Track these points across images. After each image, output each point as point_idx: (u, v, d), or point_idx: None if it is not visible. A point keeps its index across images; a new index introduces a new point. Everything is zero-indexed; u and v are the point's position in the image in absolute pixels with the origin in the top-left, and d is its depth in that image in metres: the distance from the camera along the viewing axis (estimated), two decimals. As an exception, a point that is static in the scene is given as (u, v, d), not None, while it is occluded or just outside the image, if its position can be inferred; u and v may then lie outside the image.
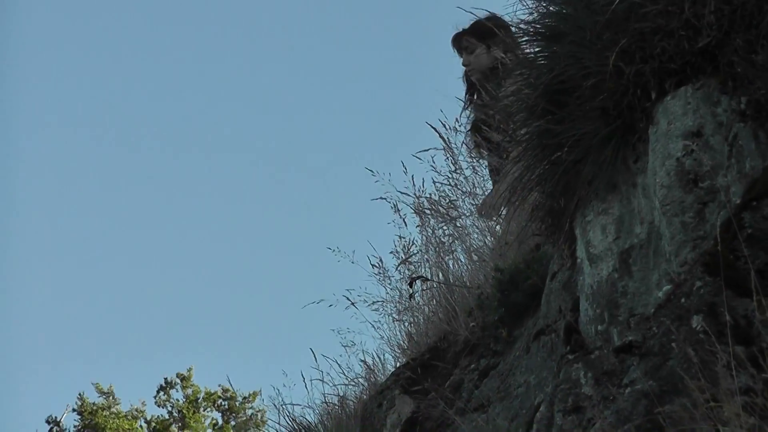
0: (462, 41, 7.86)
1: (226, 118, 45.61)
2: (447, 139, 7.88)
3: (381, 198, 8.03)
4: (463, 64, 7.95)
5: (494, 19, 7.33)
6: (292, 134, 45.01)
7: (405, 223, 7.96)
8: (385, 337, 7.66)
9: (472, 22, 7.73)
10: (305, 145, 44.85)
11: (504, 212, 7.04)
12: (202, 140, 44.52)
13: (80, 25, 47.74)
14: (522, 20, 5.56)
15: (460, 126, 7.86)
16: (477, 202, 7.66)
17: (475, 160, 7.79)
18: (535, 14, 5.48)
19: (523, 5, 5.54)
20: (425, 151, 7.92)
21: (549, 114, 5.22)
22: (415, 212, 7.90)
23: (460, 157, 7.87)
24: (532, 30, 5.54)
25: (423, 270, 7.64)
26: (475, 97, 7.81)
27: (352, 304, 7.97)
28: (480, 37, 7.75)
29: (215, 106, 45.70)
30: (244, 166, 44.81)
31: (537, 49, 5.50)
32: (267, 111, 44.69)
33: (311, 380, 7.98)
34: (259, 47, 47.02)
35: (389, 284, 7.84)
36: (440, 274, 7.43)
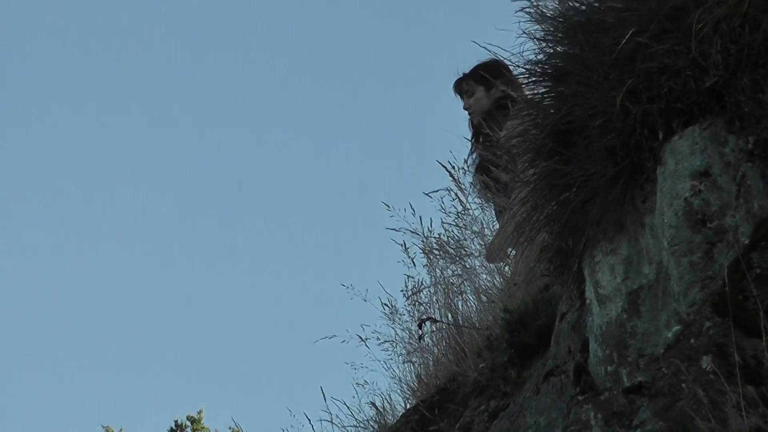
0: (462, 85, 7.90)
1: (238, 152, 45.90)
2: (457, 179, 7.92)
3: (393, 230, 8.03)
4: (464, 108, 7.99)
5: (493, 62, 7.34)
6: (303, 170, 45.20)
7: (413, 263, 7.97)
8: (396, 378, 7.68)
9: (472, 66, 7.76)
10: (317, 180, 45.06)
11: (512, 253, 7.05)
12: (213, 179, 44.73)
13: (80, 24, 47.44)
14: (529, 60, 5.57)
15: (468, 167, 7.90)
16: (486, 242, 7.67)
17: (482, 201, 7.80)
18: (542, 54, 5.48)
19: (530, 45, 5.55)
20: (435, 192, 7.96)
21: (556, 154, 5.21)
22: (423, 252, 7.91)
23: (469, 198, 7.91)
24: (538, 70, 5.54)
25: (432, 311, 7.64)
26: (480, 139, 7.82)
27: (364, 341, 7.99)
28: (478, 79, 7.79)
29: (226, 141, 46.12)
30: (256, 203, 44.72)
31: (544, 90, 5.50)
32: (278, 148, 44.95)
33: (321, 421, 7.98)
34: (276, 84, 46.98)
35: (399, 324, 7.85)
36: (449, 315, 7.43)
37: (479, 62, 7.61)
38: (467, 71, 7.84)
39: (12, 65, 47.60)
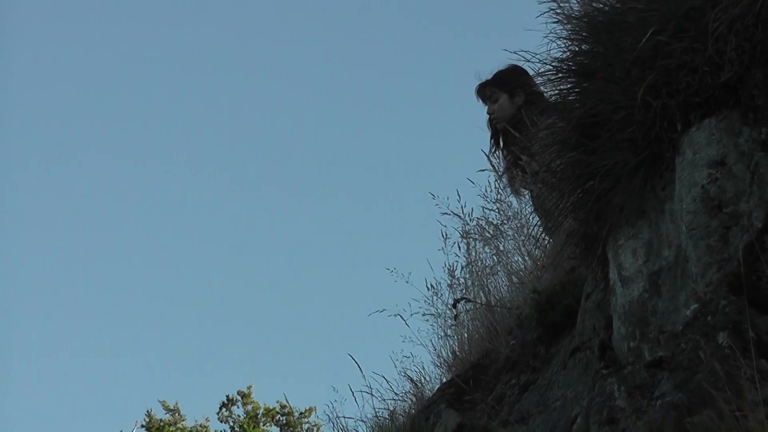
0: (485, 91, 7.85)
1: (300, 142, 46.04)
2: (496, 168, 7.95)
3: (446, 214, 8.05)
4: (488, 113, 7.95)
5: (514, 68, 7.32)
6: (355, 159, 45.29)
7: (458, 247, 7.99)
8: (433, 354, 7.68)
9: (494, 72, 7.72)
10: (367, 166, 44.82)
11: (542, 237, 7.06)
12: (270, 160, 44.53)
13: (80, 24, 46.81)
14: (555, 58, 5.57)
15: (492, 160, 7.92)
16: (520, 225, 7.68)
17: (515, 195, 7.81)
18: (568, 53, 5.48)
19: (556, 44, 5.55)
20: (482, 170, 7.99)
21: (581, 146, 5.22)
22: (462, 236, 7.92)
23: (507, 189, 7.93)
24: (564, 67, 5.53)
25: (467, 292, 7.64)
26: (505, 140, 7.81)
27: (404, 319, 8.01)
28: (502, 86, 7.74)
29: (291, 132, 46.20)
30: (309, 189, 44.83)
31: (569, 85, 5.50)
32: (338, 138, 45.05)
33: (362, 394, 8.00)
34: (327, 77, 47.05)
35: (441, 303, 7.86)
36: (482, 296, 7.43)
37: (501, 69, 7.56)
38: (489, 77, 7.79)
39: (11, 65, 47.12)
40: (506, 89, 7.76)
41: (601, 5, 5.26)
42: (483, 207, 7.98)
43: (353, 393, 7.91)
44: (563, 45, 5.49)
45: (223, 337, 37.83)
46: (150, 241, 43.01)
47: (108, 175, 44.14)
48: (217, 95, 48.59)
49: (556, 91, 5.70)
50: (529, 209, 7.67)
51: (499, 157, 7.93)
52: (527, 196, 7.71)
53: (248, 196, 44.77)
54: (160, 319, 39.94)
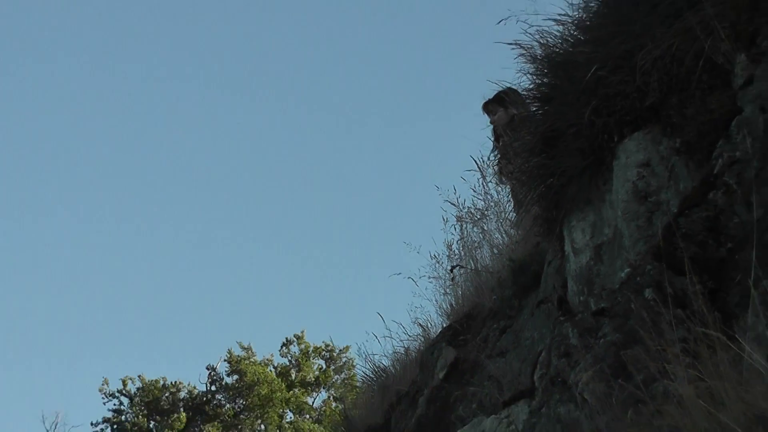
0: (489, 107, 7.92)
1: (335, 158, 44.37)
2: (482, 169, 7.99)
3: (446, 200, 8.11)
4: (491, 123, 7.99)
5: (509, 89, 7.37)
6: (382, 160, 43.89)
7: (454, 228, 8.05)
8: (436, 306, 7.73)
9: (494, 93, 7.76)
10: (391, 166, 43.72)
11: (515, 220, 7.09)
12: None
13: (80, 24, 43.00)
14: (525, 88, 5.60)
15: (491, 161, 7.96)
16: (499, 213, 7.71)
17: (500, 184, 7.85)
18: (533, 84, 5.51)
19: (526, 78, 5.59)
20: (470, 171, 8.05)
21: (544, 153, 5.23)
22: (457, 220, 7.96)
23: (489, 183, 7.96)
24: (531, 95, 5.57)
25: (461, 260, 7.67)
26: (500, 143, 7.86)
27: (414, 281, 8.08)
28: (499, 102, 7.80)
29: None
30: (349, 185, 43.34)
31: (535, 108, 5.52)
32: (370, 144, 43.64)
33: (384, 338, 8.08)
34: (355, 81, 44.46)
35: (441, 269, 7.90)
36: (472, 263, 7.45)
37: (498, 90, 7.60)
38: (491, 97, 7.83)
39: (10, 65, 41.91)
40: (502, 104, 7.80)
41: (558, 49, 5.26)
42: (472, 198, 8.03)
43: (376, 337, 8.00)
44: (530, 78, 5.53)
45: (283, 292, 37.40)
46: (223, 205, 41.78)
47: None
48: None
49: (525, 112, 5.76)
50: (506, 199, 7.71)
51: (497, 154, 7.98)
52: (506, 189, 7.75)
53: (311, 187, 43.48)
54: (239, 277, 39.39)
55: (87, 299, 37.90)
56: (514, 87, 6.45)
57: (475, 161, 8.05)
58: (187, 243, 40.14)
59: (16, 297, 36.87)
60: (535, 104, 5.47)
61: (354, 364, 21.37)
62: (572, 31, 5.18)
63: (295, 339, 22.94)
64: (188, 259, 39.86)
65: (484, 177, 7.91)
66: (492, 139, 8.03)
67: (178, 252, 40.80)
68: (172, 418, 21.80)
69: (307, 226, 41.66)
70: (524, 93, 5.63)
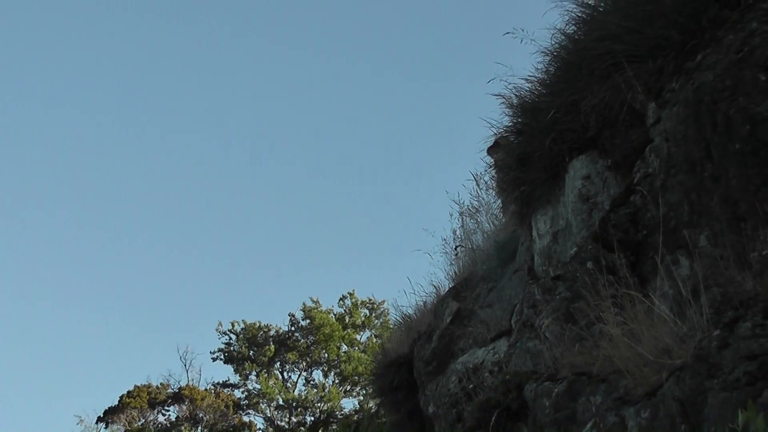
0: (491, 150, 7.63)
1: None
2: (477, 179, 8.00)
3: (453, 200, 8.07)
4: (493, 160, 7.74)
5: (501, 137, 7.19)
6: (404, 168, 37.62)
7: (457, 219, 8.06)
8: (445, 273, 7.73)
9: (494, 140, 7.51)
10: (412, 173, 37.26)
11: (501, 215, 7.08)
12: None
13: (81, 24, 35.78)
14: (505, 125, 5.59)
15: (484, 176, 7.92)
16: (488, 208, 7.68)
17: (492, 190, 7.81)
18: (511, 122, 5.48)
19: (506, 116, 5.55)
20: (469, 181, 8.06)
21: (518, 169, 5.23)
22: (459, 214, 7.98)
23: (481, 190, 7.97)
24: (509, 129, 5.54)
25: (462, 242, 7.67)
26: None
27: (430, 256, 8.12)
28: (497, 146, 7.61)
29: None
30: (385, 185, 37.27)
31: (512, 138, 5.48)
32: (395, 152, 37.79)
33: (409, 294, 8.15)
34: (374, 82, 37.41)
35: (449, 248, 7.90)
36: (470, 244, 7.43)
37: (496, 138, 7.33)
38: (491, 143, 7.50)
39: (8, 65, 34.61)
40: (499, 147, 7.70)
41: (527, 99, 5.23)
42: (470, 199, 8.05)
43: (405, 293, 8.05)
44: (509, 118, 5.52)
45: (341, 263, 34.24)
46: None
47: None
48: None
49: (506, 140, 5.74)
50: (493, 200, 7.74)
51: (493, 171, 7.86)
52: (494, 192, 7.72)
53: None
54: (312, 251, 34.91)
55: (211, 261, 35.00)
56: (504, 135, 6.30)
57: (472, 174, 8.05)
58: (281, 226, 35.79)
59: (149, 256, 33.84)
60: (512, 136, 5.43)
61: (388, 312, 21.48)
62: (537, 87, 5.15)
63: (348, 295, 22.97)
64: (281, 238, 35.83)
65: (478, 185, 7.90)
66: (494, 170, 7.94)
67: (276, 232, 36.18)
68: (265, 349, 22.05)
69: (357, 217, 37.36)
70: (504, 128, 5.58)
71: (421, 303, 7.38)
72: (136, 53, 35.38)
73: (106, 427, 20.85)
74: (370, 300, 22.87)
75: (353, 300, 22.97)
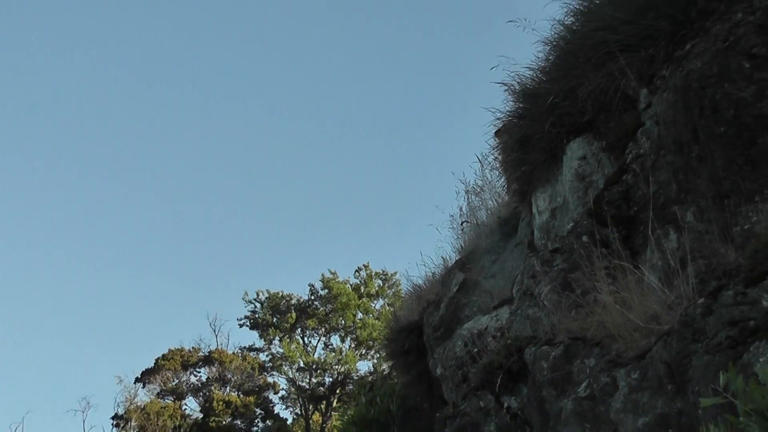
0: (497, 133, 7.65)
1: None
2: (481, 161, 7.96)
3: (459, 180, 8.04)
4: (499, 143, 7.74)
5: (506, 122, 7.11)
6: (418, 157, 37.61)
7: (463, 197, 8.04)
8: (452, 246, 7.73)
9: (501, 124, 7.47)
10: (424, 160, 37.03)
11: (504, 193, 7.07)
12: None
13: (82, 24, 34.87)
14: (508, 110, 5.54)
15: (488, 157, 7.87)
16: (492, 186, 7.65)
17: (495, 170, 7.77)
18: (513, 107, 5.45)
19: (508, 102, 5.51)
20: (474, 162, 8.01)
21: (520, 150, 5.21)
22: (465, 192, 7.97)
23: (485, 170, 7.93)
24: (511, 113, 5.51)
25: (468, 217, 7.67)
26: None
27: (438, 231, 8.10)
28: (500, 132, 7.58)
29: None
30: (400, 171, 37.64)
31: (514, 122, 5.45)
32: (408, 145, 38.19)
33: (419, 265, 8.18)
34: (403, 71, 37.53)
35: (456, 223, 7.90)
36: (475, 219, 7.40)
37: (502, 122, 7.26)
38: (499, 128, 7.54)
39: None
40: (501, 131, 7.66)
41: (528, 86, 5.20)
42: (475, 178, 8.05)
43: (417, 265, 8.08)
44: (511, 103, 5.49)
45: (357, 237, 34.55)
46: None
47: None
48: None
49: (509, 124, 5.72)
50: (496, 180, 7.71)
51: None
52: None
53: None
54: (333, 228, 35.39)
55: (239, 236, 34.95)
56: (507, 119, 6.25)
57: (477, 156, 8.03)
58: (299, 210, 36.50)
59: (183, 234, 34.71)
60: (514, 120, 5.41)
61: (400, 282, 21.54)
62: (537, 74, 5.13)
63: (363, 267, 23.04)
64: (304, 215, 36.39)
65: (482, 166, 7.85)
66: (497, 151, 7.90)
67: (298, 215, 36.78)
68: (287, 316, 22.25)
69: (374, 196, 37.71)
70: (507, 112, 5.56)
71: (430, 274, 7.40)
72: (136, 53, 34.67)
73: (143, 387, 21.24)
74: (383, 271, 22.96)
75: (368, 271, 23.05)
